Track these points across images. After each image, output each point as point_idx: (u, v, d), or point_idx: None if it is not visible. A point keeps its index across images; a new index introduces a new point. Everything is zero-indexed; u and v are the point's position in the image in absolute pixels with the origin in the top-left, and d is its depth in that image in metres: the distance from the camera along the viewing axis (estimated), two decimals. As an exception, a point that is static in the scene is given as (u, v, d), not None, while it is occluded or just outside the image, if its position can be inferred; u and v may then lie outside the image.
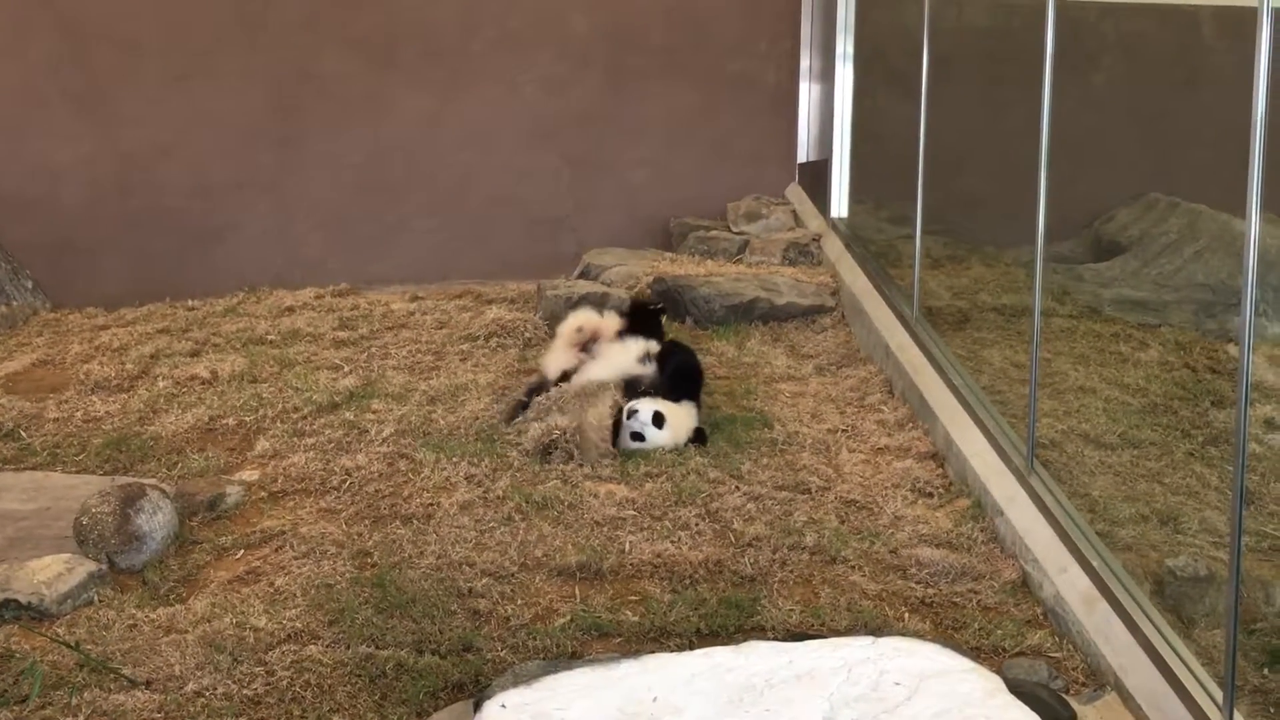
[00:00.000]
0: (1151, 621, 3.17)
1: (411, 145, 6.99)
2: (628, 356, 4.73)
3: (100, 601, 3.61)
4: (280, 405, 4.95)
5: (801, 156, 7.22)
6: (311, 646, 3.36)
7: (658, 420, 4.42)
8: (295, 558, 3.83)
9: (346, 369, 5.35)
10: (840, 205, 6.70)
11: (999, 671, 3.11)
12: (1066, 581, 3.50)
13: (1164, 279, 4.90)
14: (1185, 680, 2.97)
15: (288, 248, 6.93)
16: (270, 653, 3.34)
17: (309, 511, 4.14)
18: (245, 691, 3.18)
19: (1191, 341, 4.56)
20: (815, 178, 6.99)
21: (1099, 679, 3.24)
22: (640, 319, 5.05)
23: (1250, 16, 2.77)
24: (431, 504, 4.15)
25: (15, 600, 3.53)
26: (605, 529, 3.98)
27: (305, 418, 4.84)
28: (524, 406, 4.65)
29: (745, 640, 3.21)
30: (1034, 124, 3.93)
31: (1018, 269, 5.53)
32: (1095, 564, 3.45)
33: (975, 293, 5.52)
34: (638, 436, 4.43)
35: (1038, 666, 3.24)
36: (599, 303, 5.81)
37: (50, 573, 3.61)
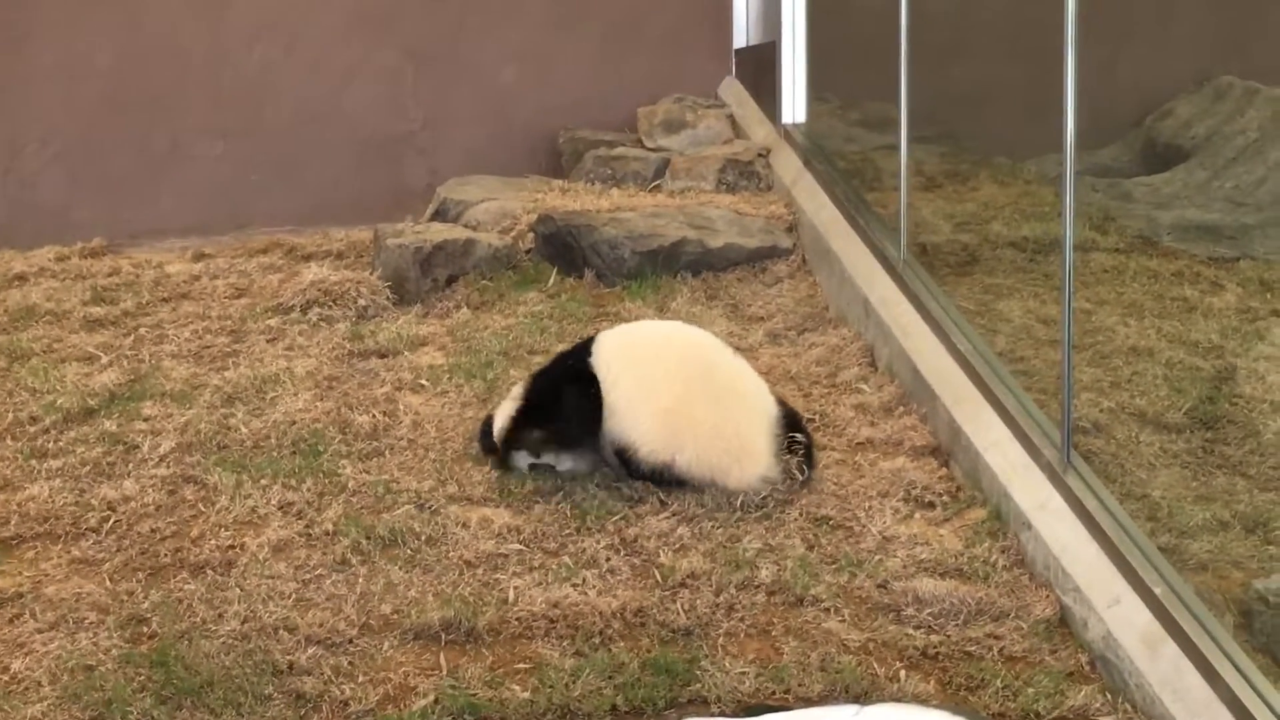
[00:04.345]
0: (1237, 668, 3.22)
1: (185, 39, 6.92)
2: None
3: None
4: (11, 415, 4.89)
5: (740, 40, 7.24)
6: (67, 755, 3.33)
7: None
8: (39, 630, 3.79)
9: (105, 360, 5.29)
10: (795, 107, 6.73)
11: (1031, 745, 3.15)
12: (1120, 617, 3.55)
13: (1242, 194, 4.97)
14: (1284, 745, 3.03)
15: (12, 191, 6.84)
16: (8, 766, 3.32)
17: (56, 564, 4.09)
18: (-27, 824, 3.16)
19: (1282, 279, 4.65)
20: (760, 69, 7.01)
21: (1168, 749, 3.30)
22: None
23: None
24: (232, 547, 4.12)
25: None
26: (480, 571, 3.98)
27: (47, 431, 4.79)
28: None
29: (680, 718, 3.22)
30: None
31: (1042, 187, 5.60)
32: (1158, 591, 3.50)
33: (985, 222, 5.58)
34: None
35: (1084, 736, 3.28)
36: (462, 254, 5.81)
37: None
